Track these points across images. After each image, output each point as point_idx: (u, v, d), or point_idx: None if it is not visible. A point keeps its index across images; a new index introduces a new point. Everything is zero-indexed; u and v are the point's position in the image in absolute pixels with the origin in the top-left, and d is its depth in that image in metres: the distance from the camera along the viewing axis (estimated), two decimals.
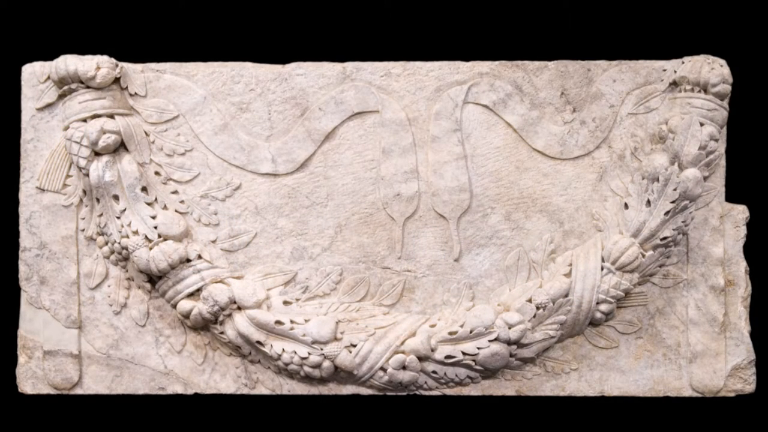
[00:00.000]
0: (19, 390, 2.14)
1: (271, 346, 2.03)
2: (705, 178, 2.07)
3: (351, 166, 2.07)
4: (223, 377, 2.13)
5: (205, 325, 2.07)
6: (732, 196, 2.13)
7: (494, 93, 2.06)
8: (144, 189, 2.05)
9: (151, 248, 2.02)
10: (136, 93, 2.06)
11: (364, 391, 2.11)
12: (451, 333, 2.02)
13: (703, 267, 2.11)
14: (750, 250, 2.13)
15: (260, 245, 2.09)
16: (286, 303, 2.07)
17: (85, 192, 2.08)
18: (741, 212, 2.12)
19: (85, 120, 2.01)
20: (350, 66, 2.07)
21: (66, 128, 2.04)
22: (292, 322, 2.03)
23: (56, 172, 2.09)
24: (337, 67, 2.07)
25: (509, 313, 2.03)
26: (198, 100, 2.06)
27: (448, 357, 2.02)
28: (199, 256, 2.06)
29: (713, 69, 2.03)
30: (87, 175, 2.03)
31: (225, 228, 2.08)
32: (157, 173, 2.07)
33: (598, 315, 2.06)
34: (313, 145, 2.05)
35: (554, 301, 2.02)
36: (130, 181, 2.03)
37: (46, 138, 2.09)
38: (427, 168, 2.07)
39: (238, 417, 2.22)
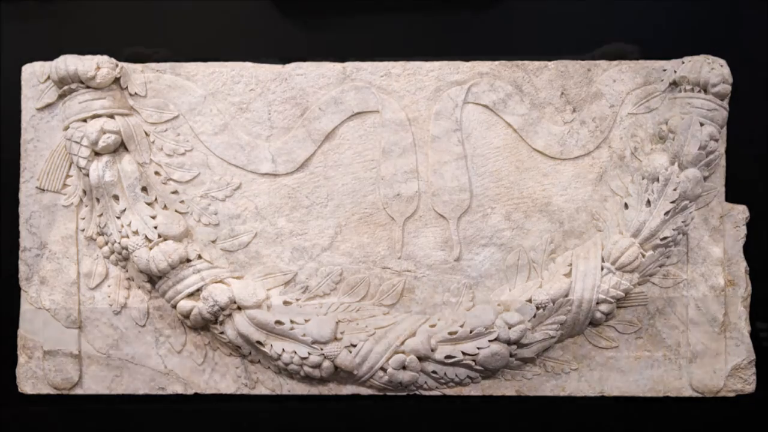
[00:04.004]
0: (19, 390, 2.14)
1: (271, 346, 2.02)
2: (705, 178, 2.07)
3: (351, 166, 2.06)
4: (223, 377, 2.12)
5: (205, 325, 2.07)
6: (732, 196, 2.12)
7: (494, 93, 2.06)
8: (144, 189, 2.05)
9: (151, 248, 2.02)
10: (136, 93, 2.05)
11: (364, 391, 2.10)
12: (451, 333, 2.02)
13: (703, 267, 2.10)
14: (750, 250, 2.13)
15: (260, 245, 2.08)
16: (286, 303, 2.06)
17: (85, 192, 2.08)
18: (741, 212, 2.12)
19: (85, 120, 2.01)
20: (350, 66, 2.07)
21: (66, 128, 2.03)
22: (292, 322, 2.02)
23: (56, 172, 2.09)
24: (337, 67, 2.07)
25: (509, 313, 2.03)
26: (198, 100, 2.06)
27: (448, 357, 2.02)
28: (199, 256, 2.06)
29: (713, 69, 2.02)
30: (87, 175, 2.03)
31: (225, 228, 2.07)
32: (157, 173, 2.07)
33: (598, 315, 2.05)
34: (313, 145, 2.05)
35: (554, 301, 2.02)
36: (130, 181, 2.03)
37: (46, 138, 2.08)
38: (427, 168, 2.06)
39: (238, 417, 2.21)
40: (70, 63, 2.00)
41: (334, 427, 2.21)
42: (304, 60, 2.09)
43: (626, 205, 2.07)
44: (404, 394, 2.10)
